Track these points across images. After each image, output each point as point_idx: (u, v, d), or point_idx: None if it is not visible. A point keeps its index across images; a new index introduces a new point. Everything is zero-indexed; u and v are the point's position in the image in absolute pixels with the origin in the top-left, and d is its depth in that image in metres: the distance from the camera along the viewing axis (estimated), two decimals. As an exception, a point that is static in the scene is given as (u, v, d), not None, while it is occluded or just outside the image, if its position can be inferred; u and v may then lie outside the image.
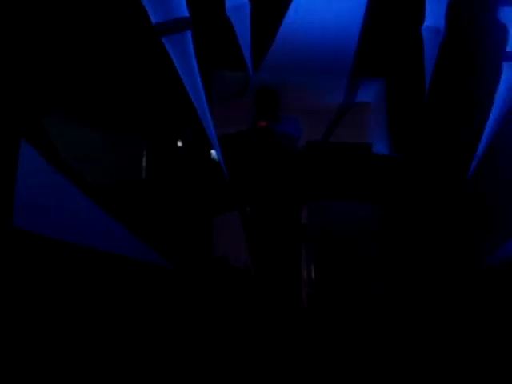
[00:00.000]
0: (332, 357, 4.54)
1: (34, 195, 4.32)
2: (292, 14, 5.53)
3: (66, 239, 4.39)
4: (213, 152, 5.13)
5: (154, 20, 4.31)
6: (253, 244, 5.28)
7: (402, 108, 5.76)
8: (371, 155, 5.09)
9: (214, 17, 5.11)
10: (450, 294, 4.91)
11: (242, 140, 5.19)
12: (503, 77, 4.64)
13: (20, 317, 4.23)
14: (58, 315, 4.35)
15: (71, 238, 4.42)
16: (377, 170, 5.04)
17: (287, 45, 5.77)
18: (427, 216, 5.01)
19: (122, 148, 5.45)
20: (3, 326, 4.02)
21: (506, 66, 4.61)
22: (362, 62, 5.90)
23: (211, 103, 4.77)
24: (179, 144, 5.46)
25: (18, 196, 4.21)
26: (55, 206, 4.41)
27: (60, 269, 4.42)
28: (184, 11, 4.33)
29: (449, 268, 4.94)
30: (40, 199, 4.35)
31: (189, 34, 4.32)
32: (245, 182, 4.99)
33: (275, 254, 5.10)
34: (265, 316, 4.90)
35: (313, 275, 5.61)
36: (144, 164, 5.47)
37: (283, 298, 5.06)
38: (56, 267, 4.41)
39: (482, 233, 4.92)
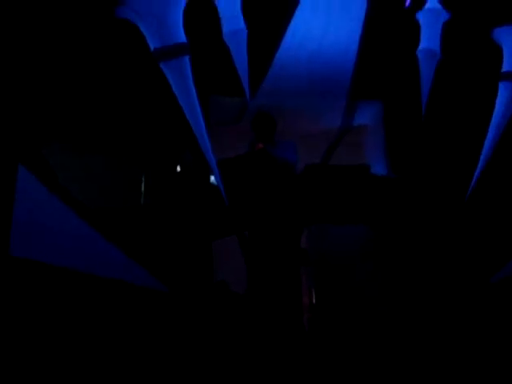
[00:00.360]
0: (333, 381, 4.52)
1: (32, 220, 4.32)
2: (289, 39, 5.59)
3: (64, 265, 4.38)
4: (212, 177, 5.15)
5: (152, 46, 4.35)
6: (252, 269, 5.26)
7: (399, 129, 5.79)
8: (370, 176, 5.10)
9: (211, 42, 5.16)
10: (448, 315, 4.89)
11: (241, 164, 5.21)
12: (499, 97, 4.67)
13: (19, 342, 4.22)
14: (56, 340, 4.34)
15: (70, 264, 4.41)
16: (376, 191, 5.05)
17: (284, 70, 5.82)
18: (426, 237, 5.00)
19: (121, 173, 5.46)
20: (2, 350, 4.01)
21: (502, 86, 4.65)
22: (359, 85, 5.95)
23: (209, 129, 4.80)
24: (178, 169, 5.47)
25: (15, 222, 4.22)
26: (53, 231, 4.41)
27: (58, 295, 4.41)
28: (181, 37, 4.38)
29: (449, 288, 4.92)
30: (38, 225, 4.36)
31: (187, 59, 4.35)
32: (244, 206, 4.99)
33: (275, 278, 5.09)
34: (266, 341, 4.87)
35: (313, 300, 5.59)
36: (143, 189, 5.48)
37: (284, 322, 5.03)
38: (54, 293, 4.40)
39: (482, 253, 4.91)
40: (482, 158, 4.74)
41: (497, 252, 4.84)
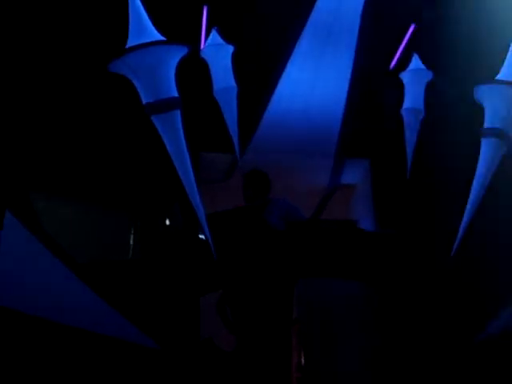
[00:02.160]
0: None
1: (16, 268, 4.29)
2: (277, 97, 5.74)
3: (48, 317, 4.34)
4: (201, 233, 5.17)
5: (144, 100, 4.43)
6: (239, 327, 5.22)
7: (387, 187, 5.88)
8: (356, 231, 5.14)
9: (202, 99, 5.29)
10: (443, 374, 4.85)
11: (230, 218, 5.24)
12: (482, 153, 4.74)
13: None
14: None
15: (54, 316, 4.36)
16: (363, 245, 5.08)
17: (273, 127, 5.96)
18: (415, 292, 5.01)
19: (110, 226, 5.48)
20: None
21: (484, 142, 4.75)
22: (346, 144, 6.08)
23: (199, 184, 4.85)
24: (167, 222, 5.50)
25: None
26: (38, 281, 4.37)
27: (42, 348, 4.35)
28: (173, 92, 4.46)
29: (441, 345, 4.90)
30: (22, 273, 4.32)
31: (178, 113, 4.41)
32: (232, 261, 5.00)
33: (264, 336, 5.04)
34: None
35: (302, 359, 5.52)
36: (131, 242, 5.49)
37: (272, 382, 4.97)
38: (38, 346, 4.34)
39: (466, 310, 4.92)
40: (466, 213, 4.79)
41: (481, 309, 4.86)
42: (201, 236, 5.16)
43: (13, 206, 4.25)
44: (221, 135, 5.49)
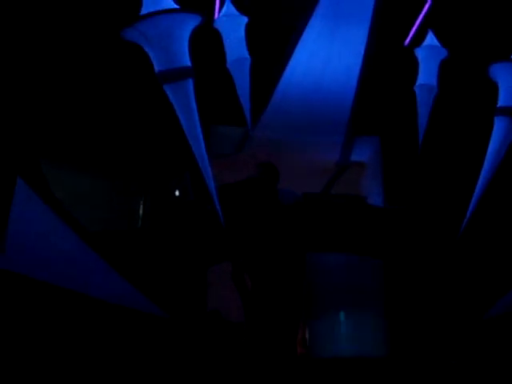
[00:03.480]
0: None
1: (27, 235, 4.32)
2: (291, 70, 5.70)
3: (58, 283, 4.37)
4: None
5: (157, 68, 4.42)
6: (247, 297, 5.24)
7: (397, 163, 5.86)
8: (365, 206, 5.14)
9: (214, 71, 5.28)
10: (447, 347, 4.87)
11: (240, 190, 5.24)
12: (494, 131, 4.75)
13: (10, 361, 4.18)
14: (48, 361, 4.30)
15: (64, 283, 4.39)
16: (371, 221, 5.08)
17: (285, 102, 5.91)
18: (422, 267, 5.02)
19: (120, 195, 5.50)
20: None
21: (497, 120, 4.74)
22: (358, 121, 6.05)
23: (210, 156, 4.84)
24: (177, 193, 5.51)
25: (10, 236, 4.21)
26: (49, 248, 4.40)
27: (51, 314, 4.38)
28: (186, 61, 4.45)
29: (445, 320, 4.91)
30: (34, 240, 4.35)
31: (190, 82, 4.41)
32: (241, 232, 5.00)
33: (273, 308, 5.06)
34: (256, 374, 4.83)
35: (306, 334, 5.54)
36: (141, 212, 5.51)
37: (277, 355, 4.99)
38: (47, 312, 4.38)
39: (477, 286, 4.92)
40: (476, 190, 4.79)
41: (490, 287, 4.86)
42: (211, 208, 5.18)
43: (24, 175, 4.27)
44: (233, 108, 5.49)
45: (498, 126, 4.75)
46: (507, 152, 4.75)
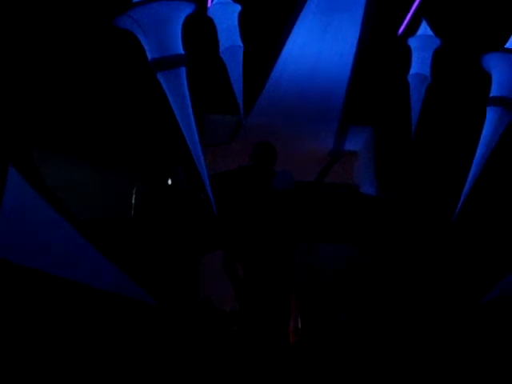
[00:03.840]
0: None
1: (19, 223, 4.31)
2: (284, 58, 5.71)
3: (49, 271, 4.36)
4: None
5: (150, 56, 4.41)
6: (239, 285, 5.26)
7: (389, 152, 5.88)
8: (358, 196, 5.15)
9: (207, 59, 5.26)
10: (441, 335, 4.89)
11: (233, 178, 5.25)
12: (487, 121, 4.76)
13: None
14: (39, 349, 4.30)
15: (55, 271, 4.39)
16: (364, 211, 5.09)
17: (278, 90, 5.93)
18: (415, 257, 5.04)
19: (112, 184, 5.49)
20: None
21: (489, 110, 4.76)
22: (351, 109, 6.07)
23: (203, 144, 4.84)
24: (169, 181, 5.51)
25: (2, 224, 4.21)
26: (40, 236, 4.39)
27: (43, 301, 4.38)
28: (179, 49, 4.44)
29: (439, 308, 4.94)
30: (24, 228, 4.35)
31: (183, 70, 4.40)
32: (234, 221, 5.01)
33: (265, 297, 5.08)
34: (248, 362, 4.85)
35: (299, 324, 5.56)
36: (133, 201, 5.50)
37: (269, 344, 5.01)
38: (39, 299, 4.38)
39: (471, 273, 4.95)
40: (468, 180, 4.81)
41: (485, 273, 4.89)
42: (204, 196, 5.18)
43: (16, 163, 4.25)
44: (226, 96, 5.48)
45: (490, 115, 4.76)
46: (499, 141, 4.77)
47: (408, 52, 5.47)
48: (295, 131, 6.40)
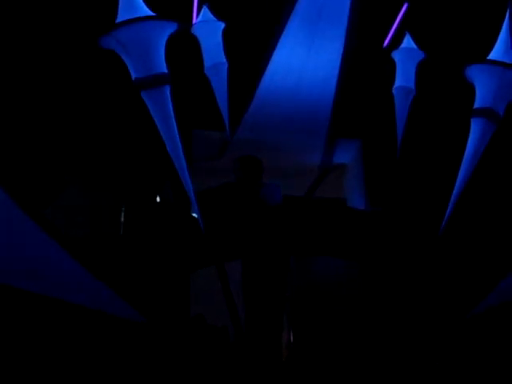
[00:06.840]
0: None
1: (6, 243, 4.30)
2: (270, 74, 5.73)
3: (37, 290, 4.35)
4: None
5: (134, 75, 4.43)
6: (232, 301, 5.26)
7: (377, 166, 5.90)
8: (346, 209, 5.17)
9: (192, 75, 5.28)
10: (430, 348, 4.89)
11: (221, 195, 5.26)
12: (472, 133, 4.76)
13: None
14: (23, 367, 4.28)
15: (43, 290, 4.37)
16: (352, 224, 5.10)
17: (264, 105, 5.95)
18: (403, 269, 5.05)
19: (100, 202, 5.49)
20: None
21: (474, 121, 4.77)
22: (338, 123, 6.09)
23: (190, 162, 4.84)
24: (158, 199, 5.52)
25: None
26: (27, 255, 4.38)
27: (29, 321, 4.37)
28: (163, 67, 4.46)
29: (428, 321, 4.94)
30: (11, 248, 4.33)
31: (167, 89, 4.42)
32: (223, 237, 5.02)
33: (258, 312, 5.07)
34: (242, 377, 4.84)
35: (291, 337, 5.56)
36: (122, 219, 5.50)
37: (262, 359, 5.01)
38: (26, 320, 4.37)
39: (459, 285, 4.95)
40: (454, 192, 4.82)
41: (472, 286, 4.89)
42: (192, 214, 5.18)
43: (2, 182, 4.25)
44: (213, 113, 5.49)
45: (475, 127, 4.77)
46: (484, 153, 4.78)
47: (393, 65, 5.51)
48: (283, 146, 6.42)
